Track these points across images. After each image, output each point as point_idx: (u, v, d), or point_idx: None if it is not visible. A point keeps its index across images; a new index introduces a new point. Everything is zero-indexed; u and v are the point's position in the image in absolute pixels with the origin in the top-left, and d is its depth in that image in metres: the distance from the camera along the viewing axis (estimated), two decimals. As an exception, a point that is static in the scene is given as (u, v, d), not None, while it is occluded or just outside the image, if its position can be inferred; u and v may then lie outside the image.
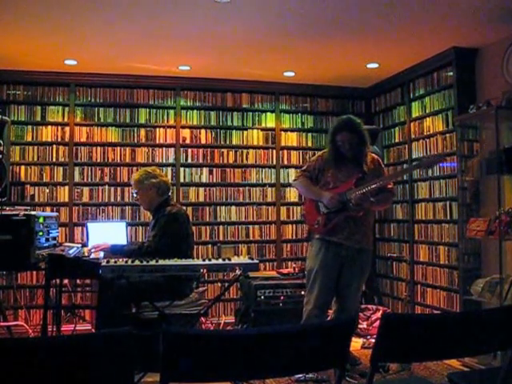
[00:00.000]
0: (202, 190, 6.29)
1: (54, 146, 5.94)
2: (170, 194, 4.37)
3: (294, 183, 4.43)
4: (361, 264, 4.02)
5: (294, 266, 6.02)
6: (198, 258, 5.53)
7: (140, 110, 6.20)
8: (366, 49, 5.24)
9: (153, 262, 3.47)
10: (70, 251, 4.62)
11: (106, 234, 5.43)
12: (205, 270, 5.08)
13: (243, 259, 3.74)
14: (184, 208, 4.84)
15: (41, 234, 4.61)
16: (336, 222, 3.97)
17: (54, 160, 5.92)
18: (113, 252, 4.08)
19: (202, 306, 4.12)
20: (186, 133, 6.30)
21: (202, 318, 5.15)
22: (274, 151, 6.52)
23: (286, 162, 6.54)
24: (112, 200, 6.03)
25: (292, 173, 6.47)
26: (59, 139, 5.96)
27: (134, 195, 4.36)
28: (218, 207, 6.31)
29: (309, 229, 4.32)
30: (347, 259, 3.99)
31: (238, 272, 4.15)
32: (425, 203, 5.75)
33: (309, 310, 4.00)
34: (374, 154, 4.26)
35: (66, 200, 5.91)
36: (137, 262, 3.45)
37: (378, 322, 5.11)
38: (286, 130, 6.60)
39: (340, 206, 3.93)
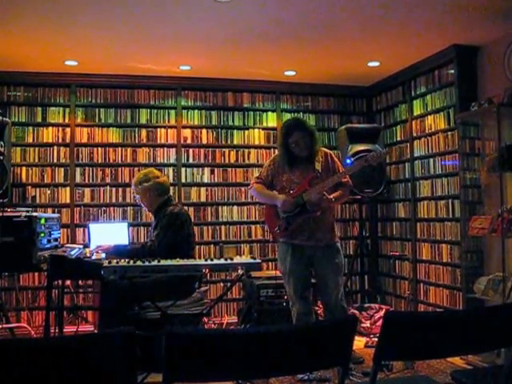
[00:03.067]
0: (203, 189, 6.28)
1: (55, 147, 5.94)
2: (170, 194, 4.37)
3: (251, 192, 4.46)
4: (330, 259, 4.03)
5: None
6: (200, 257, 5.54)
7: (141, 110, 6.19)
8: (367, 47, 5.23)
9: (155, 263, 3.46)
10: (72, 252, 4.63)
11: (108, 234, 5.44)
12: (207, 270, 5.07)
13: (245, 259, 3.73)
14: (185, 208, 4.84)
15: (42, 235, 4.62)
16: (295, 225, 3.98)
17: (55, 161, 5.92)
18: (115, 252, 4.08)
19: (204, 305, 4.11)
20: (187, 133, 6.29)
21: (205, 318, 5.14)
22: (276, 151, 6.50)
23: (287, 162, 6.52)
24: (113, 201, 6.03)
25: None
26: (60, 140, 5.96)
27: (136, 198, 4.38)
28: (220, 207, 6.31)
29: (271, 234, 4.33)
30: (314, 258, 4.02)
31: (240, 272, 4.15)
32: (427, 201, 5.74)
33: (296, 309, 4.06)
34: (325, 149, 4.27)
35: (68, 201, 5.91)
36: (139, 263, 3.45)
37: (380, 321, 5.11)
38: (287, 130, 6.58)
39: (296, 208, 3.94)
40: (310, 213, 3.94)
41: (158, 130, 6.22)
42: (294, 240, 4.02)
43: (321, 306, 4.51)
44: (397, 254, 6.20)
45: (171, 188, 6.02)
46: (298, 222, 3.97)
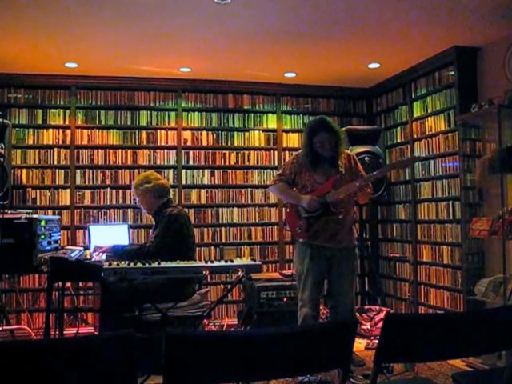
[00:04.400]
0: (203, 191, 6.28)
1: (56, 149, 5.94)
2: (170, 196, 4.37)
3: (270, 189, 4.39)
4: (347, 263, 4.02)
5: (296, 267, 6.01)
6: (200, 259, 5.52)
7: (141, 112, 6.20)
8: (368, 49, 5.23)
9: (155, 265, 3.46)
10: (72, 254, 4.63)
11: (108, 236, 5.43)
12: (207, 272, 5.07)
13: (246, 261, 3.73)
14: (185, 210, 4.83)
15: (43, 237, 4.62)
16: (317, 226, 3.96)
17: (56, 163, 5.92)
18: (114, 252, 4.09)
19: (204, 307, 4.11)
20: (187, 135, 6.29)
21: (205, 320, 5.14)
22: (276, 152, 6.51)
23: (287, 163, 6.53)
24: (114, 203, 6.03)
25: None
26: (60, 142, 5.96)
27: (136, 201, 4.39)
28: (220, 209, 6.31)
29: (292, 234, 4.32)
30: (333, 260, 4.00)
31: (240, 274, 4.14)
32: (427, 203, 5.74)
33: (304, 312, 4.00)
34: (348, 152, 4.25)
35: (68, 203, 5.91)
36: (139, 265, 3.45)
37: (381, 323, 5.10)
38: (287, 131, 6.59)
39: (320, 209, 3.92)
40: (332, 214, 3.93)
41: (159, 131, 6.22)
42: (314, 241, 3.99)
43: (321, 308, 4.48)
44: (397, 255, 6.20)
45: (171, 190, 6.06)
46: (320, 222, 3.95)
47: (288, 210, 4.28)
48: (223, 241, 6.27)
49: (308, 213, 3.97)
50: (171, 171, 6.19)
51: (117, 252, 4.07)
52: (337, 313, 4.07)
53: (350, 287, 4.04)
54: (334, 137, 3.98)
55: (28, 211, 4.81)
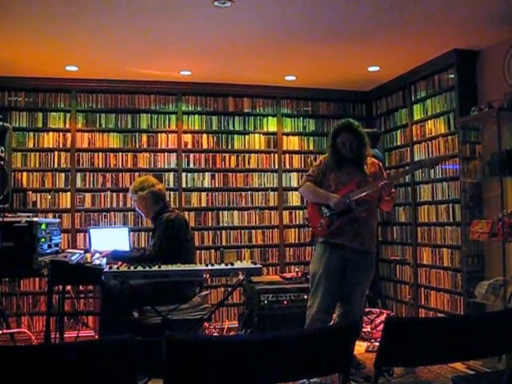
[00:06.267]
0: (204, 194, 6.28)
1: (56, 152, 5.94)
2: (166, 200, 4.39)
3: (300, 190, 4.41)
4: (365, 267, 4.02)
5: (296, 270, 6.01)
6: (200, 263, 5.53)
7: (141, 115, 6.20)
8: (367, 52, 5.23)
9: (155, 268, 3.47)
10: (73, 257, 4.62)
11: (109, 239, 5.43)
12: (208, 275, 5.08)
13: (246, 264, 3.74)
14: (183, 213, 4.85)
15: (43, 240, 4.62)
16: (339, 223, 3.97)
17: (56, 166, 5.92)
18: (114, 258, 4.09)
19: (205, 311, 4.11)
20: (187, 138, 6.30)
21: (206, 323, 5.14)
22: (276, 155, 6.52)
23: (287, 166, 6.54)
24: (114, 206, 6.03)
25: (294, 177, 6.50)
26: (61, 145, 5.97)
27: (135, 206, 4.42)
28: (221, 212, 6.31)
29: (312, 233, 4.33)
30: (351, 262, 3.97)
31: (241, 277, 4.15)
32: (427, 206, 5.74)
33: (312, 313, 3.97)
34: (374, 159, 4.27)
35: (68, 206, 5.91)
36: (139, 268, 3.46)
37: (381, 326, 5.10)
38: (287, 134, 6.59)
39: (345, 207, 3.94)
40: (354, 213, 3.94)
41: (159, 135, 6.23)
42: (335, 239, 3.99)
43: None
44: (397, 258, 6.20)
45: (172, 193, 6.10)
46: (341, 220, 3.96)
47: (309, 207, 4.30)
48: (223, 244, 6.26)
49: (330, 211, 3.99)
50: (171, 174, 6.20)
51: (116, 259, 4.08)
52: (346, 316, 4.03)
53: (361, 296, 4.04)
54: (356, 138, 4.02)
55: (28, 214, 4.82)
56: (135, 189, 4.30)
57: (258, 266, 3.63)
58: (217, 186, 6.32)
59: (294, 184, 6.46)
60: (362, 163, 4.06)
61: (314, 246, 4.23)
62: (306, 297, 4.81)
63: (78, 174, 5.97)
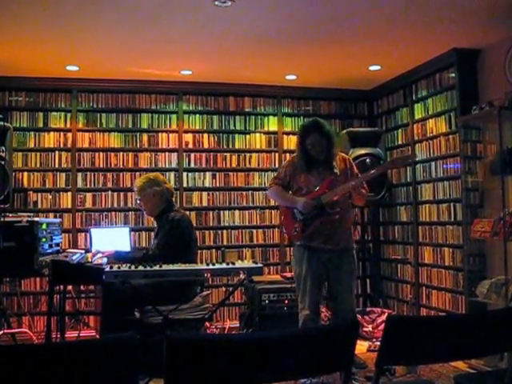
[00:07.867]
0: (205, 194, 6.28)
1: (57, 152, 5.94)
2: (172, 199, 4.37)
3: (267, 192, 4.39)
4: (346, 264, 3.99)
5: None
6: (201, 262, 5.53)
7: (142, 115, 6.20)
8: (368, 51, 5.23)
9: (156, 268, 3.46)
10: (74, 257, 4.63)
11: (110, 239, 5.43)
12: (209, 275, 5.07)
13: (247, 263, 3.73)
14: (187, 213, 4.83)
15: (44, 240, 4.62)
16: (313, 227, 3.94)
17: (57, 166, 5.92)
18: (116, 259, 4.08)
19: (206, 310, 4.11)
20: (188, 137, 6.30)
21: (207, 323, 5.14)
22: (277, 155, 6.51)
23: (288, 166, 6.52)
24: (115, 205, 6.03)
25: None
26: (62, 145, 5.97)
27: (138, 201, 4.37)
28: (222, 211, 6.30)
29: (289, 238, 4.31)
30: (331, 262, 3.96)
31: (242, 276, 4.14)
32: (429, 205, 5.73)
33: (305, 315, 3.97)
34: (343, 154, 4.25)
35: (69, 206, 5.91)
36: (140, 268, 3.45)
37: (383, 325, 5.09)
38: (288, 134, 6.59)
39: (315, 210, 3.90)
40: (328, 215, 3.91)
41: (160, 134, 6.23)
42: (311, 243, 3.96)
43: (323, 310, 4.47)
44: (399, 257, 6.19)
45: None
46: (315, 224, 3.93)
47: (283, 213, 4.28)
48: (225, 243, 6.26)
49: (303, 215, 3.96)
50: (172, 174, 6.19)
51: (119, 259, 4.06)
52: (338, 316, 4.05)
53: (350, 290, 4.02)
54: (325, 139, 3.96)
55: (29, 214, 4.82)
56: (146, 184, 4.25)
57: (259, 265, 3.62)
58: (218, 185, 6.32)
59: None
60: (331, 163, 4.01)
61: (293, 247, 4.21)
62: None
63: (79, 174, 5.97)
